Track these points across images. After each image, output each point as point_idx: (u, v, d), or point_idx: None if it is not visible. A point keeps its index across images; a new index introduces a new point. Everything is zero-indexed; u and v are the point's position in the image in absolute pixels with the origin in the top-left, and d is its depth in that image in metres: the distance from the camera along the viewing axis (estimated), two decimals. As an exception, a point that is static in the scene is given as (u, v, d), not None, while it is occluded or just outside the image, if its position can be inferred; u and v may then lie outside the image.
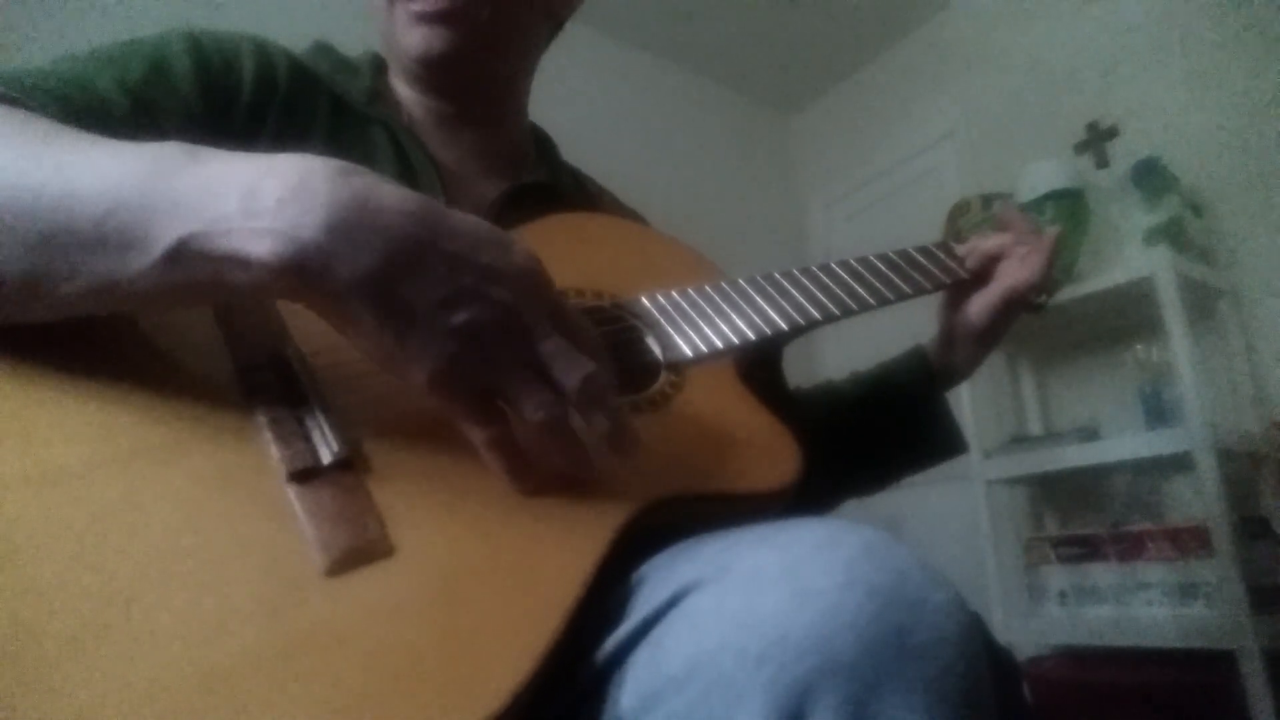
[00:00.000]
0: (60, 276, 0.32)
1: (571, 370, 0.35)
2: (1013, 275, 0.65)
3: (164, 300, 0.35)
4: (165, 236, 0.32)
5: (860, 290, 0.59)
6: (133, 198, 0.32)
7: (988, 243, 0.67)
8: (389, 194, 0.34)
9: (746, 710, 0.27)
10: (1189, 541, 1.55)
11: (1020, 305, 0.65)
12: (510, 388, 0.35)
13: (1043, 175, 1.68)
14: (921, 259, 0.65)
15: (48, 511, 0.29)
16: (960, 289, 0.67)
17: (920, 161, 2.63)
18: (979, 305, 0.66)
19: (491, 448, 0.36)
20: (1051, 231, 0.66)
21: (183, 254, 0.32)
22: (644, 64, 2.75)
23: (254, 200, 0.32)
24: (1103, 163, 1.97)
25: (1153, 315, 1.60)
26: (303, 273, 0.32)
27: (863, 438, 0.70)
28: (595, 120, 2.41)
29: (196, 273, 0.32)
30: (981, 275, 0.67)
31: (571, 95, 2.37)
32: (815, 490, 0.46)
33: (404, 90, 0.63)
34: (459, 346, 0.33)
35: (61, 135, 0.37)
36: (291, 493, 0.33)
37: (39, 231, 0.32)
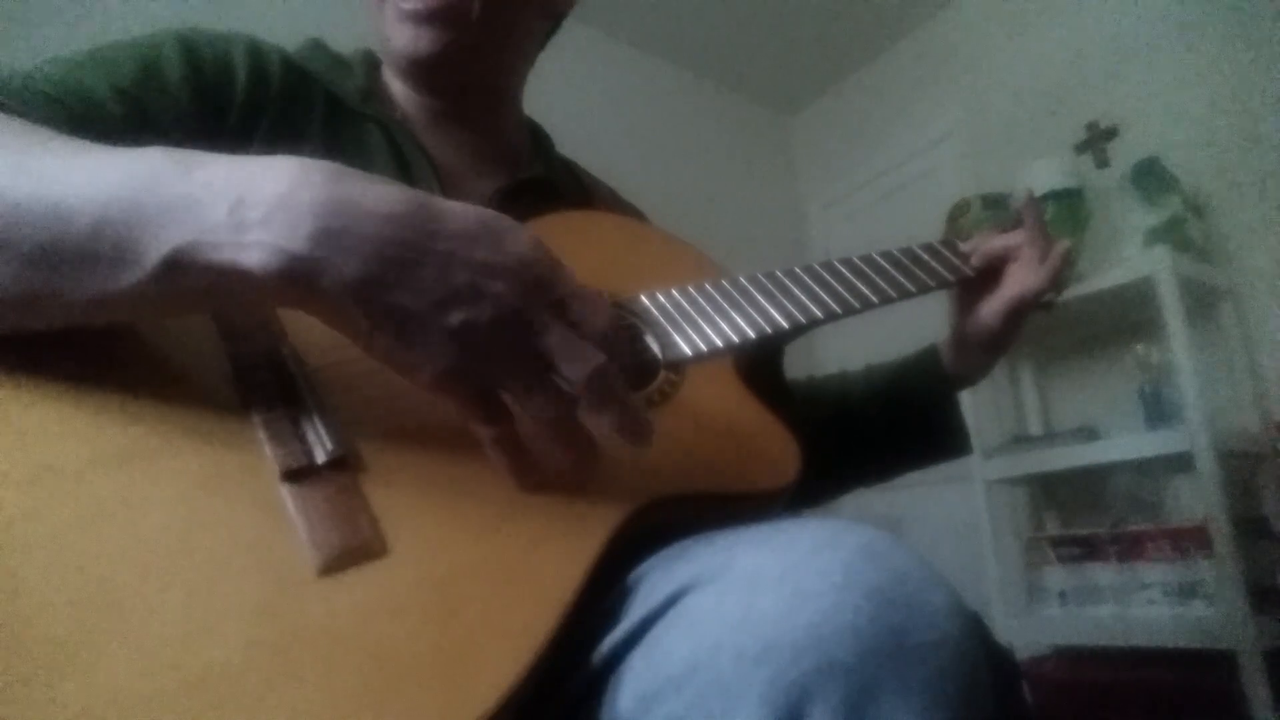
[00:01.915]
0: (54, 291, 0.32)
1: (577, 364, 0.34)
2: (1022, 282, 0.63)
3: (160, 310, 0.35)
4: (157, 249, 0.31)
5: (863, 288, 0.58)
6: (122, 210, 0.32)
7: (994, 243, 0.66)
8: (377, 196, 0.33)
9: (744, 712, 0.27)
10: (1189, 541, 1.55)
11: (1030, 310, 0.64)
12: (514, 385, 0.35)
13: (1043, 175, 1.68)
14: (925, 256, 0.64)
15: (38, 512, 0.29)
16: (969, 292, 0.67)
17: (920, 162, 2.63)
18: (990, 310, 0.65)
19: (497, 446, 0.36)
20: (1064, 244, 0.64)
21: (176, 266, 0.32)
22: (644, 64, 2.75)
23: (242, 211, 0.32)
24: (1103, 163, 1.96)
25: (1153, 315, 1.60)
26: (293, 283, 0.31)
27: (873, 433, 0.70)
28: (596, 121, 2.41)
29: (191, 283, 0.32)
30: (987, 275, 0.66)
31: (572, 95, 2.38)
32: (819, 481, 0.46)
33: (398, 87, 0.63)
34: (459, 347, 0.33)
35: (48, 144, 0.36)
36: (285, 492, 0.33)
37: (29, 247, 0.32)
